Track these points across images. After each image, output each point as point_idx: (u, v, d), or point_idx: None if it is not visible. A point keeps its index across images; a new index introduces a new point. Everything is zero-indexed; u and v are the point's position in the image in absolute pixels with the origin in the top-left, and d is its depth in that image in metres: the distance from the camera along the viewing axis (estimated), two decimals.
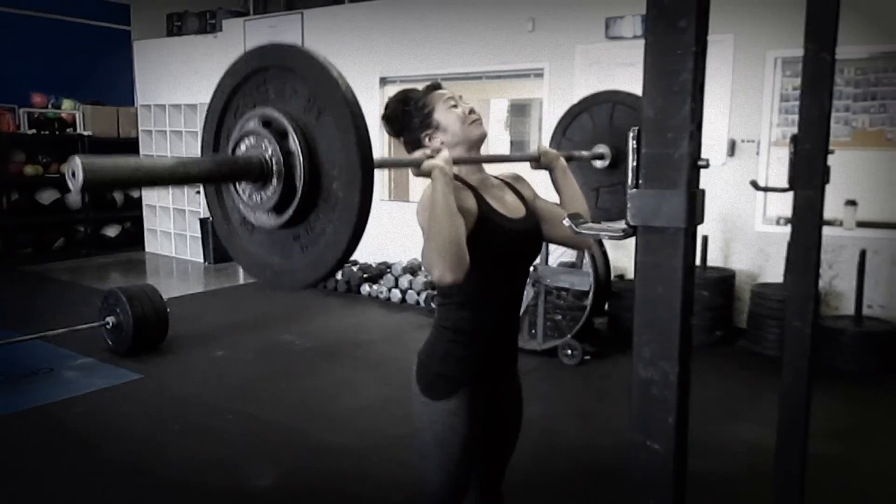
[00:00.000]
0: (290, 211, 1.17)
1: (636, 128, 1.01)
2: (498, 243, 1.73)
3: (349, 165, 1.11)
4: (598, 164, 2.37)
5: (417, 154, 1.69)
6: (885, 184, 4.93)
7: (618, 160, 2.36)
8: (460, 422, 1.77)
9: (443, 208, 1.53)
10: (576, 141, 2.46)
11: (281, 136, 1.15)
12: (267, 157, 1.16)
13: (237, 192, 1.24)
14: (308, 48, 1.16)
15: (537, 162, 1.92)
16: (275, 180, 1.16)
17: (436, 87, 1.85)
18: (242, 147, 1.20)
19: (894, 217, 4.91)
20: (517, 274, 1.85)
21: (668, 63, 0.97)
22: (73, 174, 0.95)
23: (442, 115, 1.79)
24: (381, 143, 7.15)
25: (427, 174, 1.56)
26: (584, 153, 2.31)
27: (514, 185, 1.91)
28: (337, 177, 1.13)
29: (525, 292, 2.95)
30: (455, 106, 1.80)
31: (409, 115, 1.81)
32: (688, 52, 0.96)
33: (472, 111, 1.82)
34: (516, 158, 1.92)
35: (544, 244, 2.40)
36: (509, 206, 1.81)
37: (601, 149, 2.36)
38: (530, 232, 1.83)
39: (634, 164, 1.01)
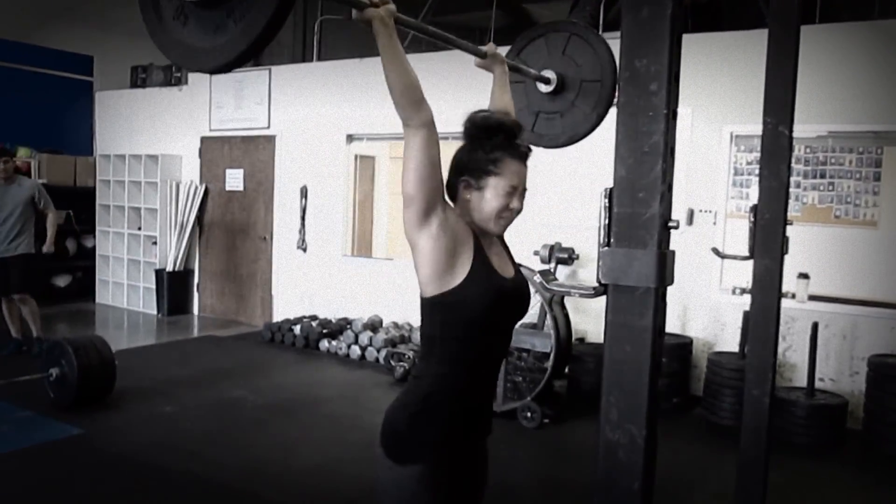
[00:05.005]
0: None
1: (608, 187, 1.01)
2: (487, 297, 1.62)
3: None
4: (543, 88, 2.36)
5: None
6: (835, 259, 5.09)
7: (563, 86, 2.37)
8: (425, 491, 1.64)
9: (397, 57, 1.54)
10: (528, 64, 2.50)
11: None
12: None
13: None
14: None
15: (483, 59, 2.05)
16: None
17: (524, 154, 1.71)
18: None
19: (843, 292, 5.04)
20: (501, 335, 1.76)
21: (640, 124, 0.99)
22: None
23: (492, 187, 1.66)
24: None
25: (367, 22, 1.54)
26: (532, 70, 2.33)
27: (506, 245, 1.85)
28: None
29: None
30: (509, 194, 1.67)
31: (476, 149, 1.69)
32: (659, 115, 0.98)
33: (511, 209, 1.69)
34: (466, 48, 2.02)
35: None
36: (502, 264, 1.74)
37: (548, 73, 2.37)
38: (519, 291, 1.76)
39: (606, 222, 1.02)
